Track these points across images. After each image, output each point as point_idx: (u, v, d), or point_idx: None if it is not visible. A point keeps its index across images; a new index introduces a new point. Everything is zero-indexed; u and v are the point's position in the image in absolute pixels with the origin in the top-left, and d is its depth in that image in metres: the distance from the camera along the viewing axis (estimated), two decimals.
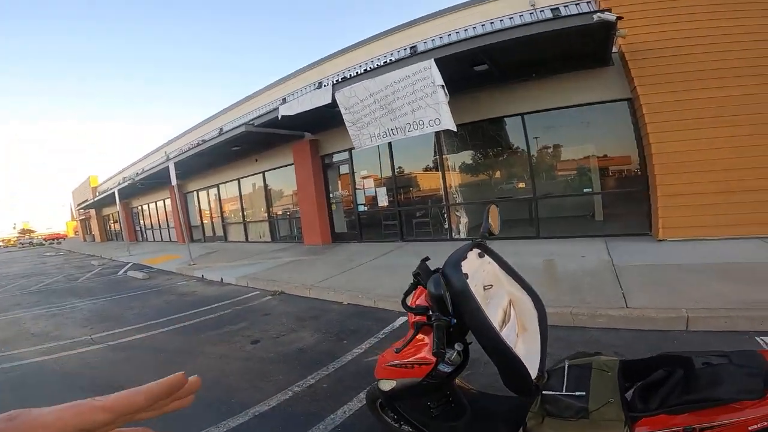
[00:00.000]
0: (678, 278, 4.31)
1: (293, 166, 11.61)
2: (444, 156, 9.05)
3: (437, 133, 8.53)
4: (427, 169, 9.79)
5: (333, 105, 7.46)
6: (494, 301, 1.64)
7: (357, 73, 8.62)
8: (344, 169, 11.16)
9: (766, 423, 1.20)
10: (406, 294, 1.73)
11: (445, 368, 1.50)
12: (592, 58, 6.85)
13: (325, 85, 9.26)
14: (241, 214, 15.19)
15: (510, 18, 8.25)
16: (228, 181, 15.42)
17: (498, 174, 9.21)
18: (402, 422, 1.87)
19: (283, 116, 8.31)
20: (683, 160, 6.10)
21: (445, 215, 9.10)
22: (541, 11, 7.86)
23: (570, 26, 5.58)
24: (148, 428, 0.42)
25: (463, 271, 1.45)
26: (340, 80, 8.30)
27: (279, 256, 9.89)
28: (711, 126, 5.99)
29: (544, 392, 1.45)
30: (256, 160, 13.41)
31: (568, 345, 3.29)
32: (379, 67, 7.72)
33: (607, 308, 3.64)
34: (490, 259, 1.79)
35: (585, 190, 7.90)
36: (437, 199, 9.35)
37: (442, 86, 6.19)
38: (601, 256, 5.70)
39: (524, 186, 8.32)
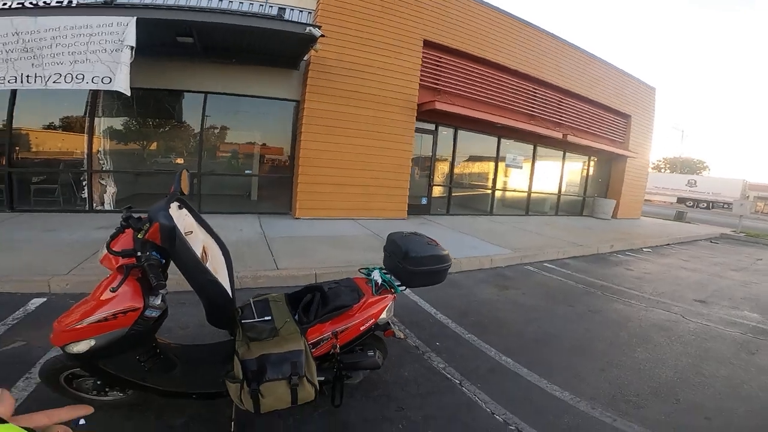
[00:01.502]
0: (309, 247, 5.73)
1: None
2: (97, 117, 7.39)
3: (95, 92, 6.94)
4: (66, 128, 7.64)
5: None
6: (194, 246, 1.75)
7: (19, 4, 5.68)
8: None
9: (369, 322, 2.11)
10: (112, 238, 1.60)
11: (152, 313, 1.55)
12: (286, 60, 7.61)
13: None
14: None
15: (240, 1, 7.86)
16: None
17: (160, 146, 8.48)
18: (107, 387, 1.74)
19: None
20: (319, 158, 7.97)
21: (85, 183, 7.51)
22: (270, 6, 7.89)
23: (284, 30, 6.08)
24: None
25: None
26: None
27: None
28: (342, 134, 8.12)
29: (243, 321, 1.93)
30: None
31: (239, 302, 3.83)
32: (55, 6, 5.62)
33: (264, 271, 4.40)
34: (188, 212, 2.00)
35: (246, 172, 8.76)
36: (74, 164, 7.49)
37: (132, 48, 5.30)
38: (256, 229, 6.58)
39: (183, 161, 8.21)
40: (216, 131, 8.58)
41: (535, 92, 11.19)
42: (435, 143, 10.09)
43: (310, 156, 7.96)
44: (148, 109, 8.05)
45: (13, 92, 6.82)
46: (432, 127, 9.92)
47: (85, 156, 7.34)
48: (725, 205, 34.58)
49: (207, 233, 2.11)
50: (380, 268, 2.44)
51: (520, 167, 12.09)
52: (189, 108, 8.12)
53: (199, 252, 1.79)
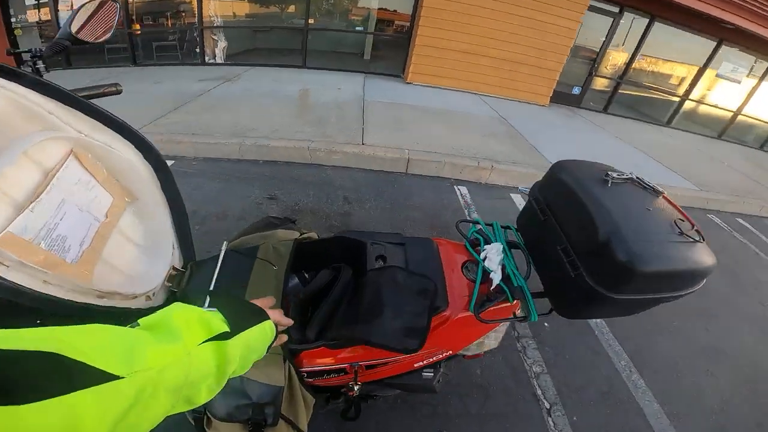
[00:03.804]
0: (411, 118, 4.57)
1: None
2: None
3: None
4: None
5: None
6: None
7: None
8: None
9: (438, 356, 1.10)
10: None
11: None
12: None
13: None
14: None
15: None
16: None
17: (269, 6, 7.57)
18: None
19: None
20: (446, 18, 6.18)
21: (199, 38, 7.23)
22: None
23: None
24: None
25: None
26: None
27: None
28: None
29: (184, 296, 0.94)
30: None
31: (302, 186, 3.04)
32: None
33: (344, 144, 3.46)
34: (7, 82, 0.61)
35: (357, 29, 7.48)
36: (188, 24, 7.19)
37: None
38: (356, 90, 5.52)
39: (296, 14, 7.19)
40: None
41: None
42: (613, 29, 7.09)
43: (430, 15, 6.15)
44: None
45: None
46: (616, 9, 6.86)
47: (196, 12, 6.86)
48: None
49: (95, 120, 0.76)
50: (506, 232, 1.24)
51: (738, 82, 8.28)
52: None
53: (36, 162, 0.64)
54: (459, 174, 3.58)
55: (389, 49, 7.61)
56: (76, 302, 0.66)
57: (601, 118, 7.32)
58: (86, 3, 0.91)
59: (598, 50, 7.40)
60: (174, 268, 0.93)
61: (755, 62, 8.22)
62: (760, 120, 9.19)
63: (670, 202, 1.04)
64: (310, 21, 7.12)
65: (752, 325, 2.71)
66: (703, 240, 0.92)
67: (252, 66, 6.74)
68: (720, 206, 4.58)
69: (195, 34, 7.12)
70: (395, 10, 7.21)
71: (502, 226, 1.25)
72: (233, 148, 3.30)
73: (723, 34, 7.35)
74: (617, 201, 0.95)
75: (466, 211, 3.14)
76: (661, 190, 1.06)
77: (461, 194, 3.37)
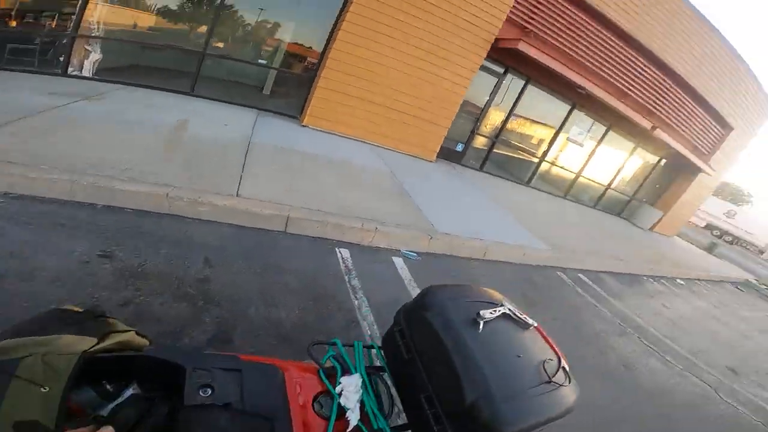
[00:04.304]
0: (298, 167, 4.36)
1: None
2: None
3: None
4: None
5: None
6: None
7: None
8: None
9: None
10: None
11: None
12: None
13: None
14: None
15: None
16: None
17: (171, 20, 6.57)
18: None
19: None
20: (352, 63, 6.28)
21: (68, 45, 5.94)
22: None
23: None
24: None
25: None
26: None
27: None
28: (388, 44, 6.34)
29: None
30: None
31: (153, 242, 2.51)
32: None
33: (215, 194, 3.03)
34: None
35: (260, 61, 7.11)
36: (62, 28, 5.85)
37: None
38: (244, 128, 5.08)
39: (197, 34, 6.41)
40: (237, 13, 6.70)
41: (637, 64, 8.81)
42: (497, 89, 8.17)
43: (340, 58, 6.21)
44: None
45: None
46: (501, 70, 7.93)
47: (74, 20, 5.63)
48: (749, 246, 33.24)
49: None
50: (369, 353, 1.15)
51: (581, 145, 10.14)
52: None
53: None
54: (342, 236, 3.46)
55: (291, 86, 7.39)
56: None
57: (478, 177, 8.15)
58: None
59: (482, 109, 8.30)
60: None
61: (592, 125, 10.04)
62: (594, 181, 11.25)
63: (541, 334, 1.05)
64: (218, 44, 6.52)
65: (595, 373, 3.21)
66: (570, 381, 0.94)
67: (125, 85, 5.68)
68: (565, 263, 5.40)
69: (65, 41, 5.85)
70: (310, 47, 7.06)
71: (365, 346, 1.11)
72: (63, 186, 2.62)
73: (576, 98, 8.89)
74: (487, 350, 0.92)
75: (346, 277, 3.01)
76: (531, 322, 1.06)
77: (342, 258, 3.24)
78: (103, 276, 2.15)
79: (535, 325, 1.09)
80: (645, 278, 7.16)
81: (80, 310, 0.97)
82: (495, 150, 9.10)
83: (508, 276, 4.34)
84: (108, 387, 0.88)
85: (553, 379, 0.92)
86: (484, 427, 0.81)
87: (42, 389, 0.71)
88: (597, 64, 8.31)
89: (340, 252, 3.31)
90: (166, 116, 4.62)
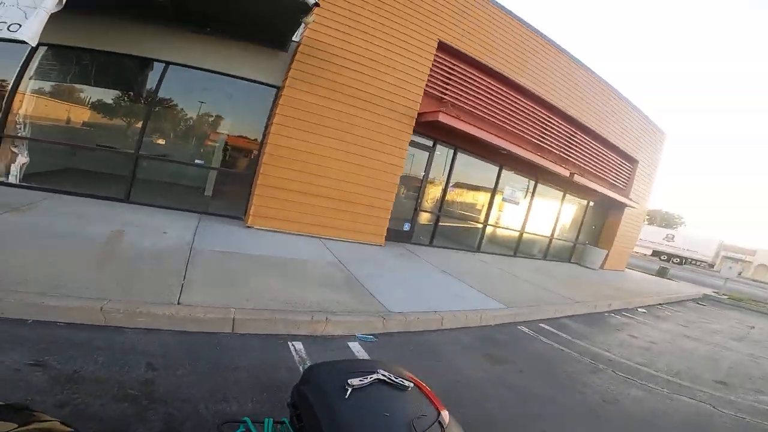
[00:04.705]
0: (243, 270, 4.32)
1: None
2: (27, 75, 5.91)
3: (33, 47, 5.42)
4: None
5: None
6: None
7: None
8: None
9: None
10: None
11: None
12: (273, 36, 6.28)
13: None
14: None
15: None
16: None
17: (102, 117, 6.83)
18: None
19: None
20: (288, 156, 6.55)
21: None
22: None
23: None
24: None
25: None
26: None
27: None
28: (320, 133, 6.73)
29: None
30: None
31: (88, 351, 2.42)
32: None
33: (152, 304, 2.94)
34: None
35: (197, 162, 7.18)
36: None
37: None
38: (185, 235, 5.07)
39: (131, 138, 6.58)
40: (173, 110, 7.08)
41: (548, 120, 10.14)
42: (430, 162, 8.84)
43: (276, 153, 6.51)
44: (94, 73, 6.54)
45: None
46: (429, 143, 8.67)
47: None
48: (698, 263, 35.62)
49: None
50: (281, 429, 1.21)
51: (517, 203, 10.96)
52: (145, 77, 6.65)
53: None
54: (293, 329, 3.37)
55: (233, 186, 7.45)
56: None
57: (428, 252, 8.32)
58: None
59: (420, 184, 8.74)
60: None
61: (522, 182, 10.92)
62: (537, 234, 11.87)
63: (423, 392, 1.13)
64: (157, 142, 6.62)
65: (575, 413, 3.13)
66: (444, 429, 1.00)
67: (56, 193, 5.69)
68: (525, 317, 5.43)
69: None
70: (248, 145, 7.32)
71: (275, 422, 1.17)
72: None
73: (502, 159, 9.65)
74: (355, 414, 1.00)
75: (301, 367, 2.88)
76: (408, 383, 1.14)
77: (296, 350, 3.13)
78: (36, 383, 2.07)
79: (410, 386, 1.16)
80: (606, 314, 7.34)
81: (2, 402, 0.95)
82: (441, 223, 9.50)
83: (467, 340, 4.29)
84: None
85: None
86: None
87: None
88: (511, 124, 9.39)
89: (292, 345, 3.19)
90: (99, 228, 4.56)
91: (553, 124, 10.31)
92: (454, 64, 8.32)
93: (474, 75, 8.61)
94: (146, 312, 2.87)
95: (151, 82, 6.56)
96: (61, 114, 6.64)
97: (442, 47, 7.95)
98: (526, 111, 9.64)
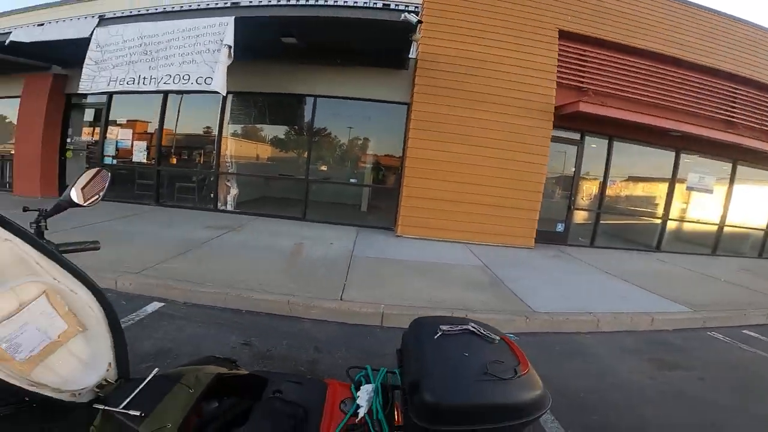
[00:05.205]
0: (393, 273, 4.88)
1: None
2: (225, 121, 8.20)
3: (224, 97, 7.53)
4: (205, 133, 8.66)
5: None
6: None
7: (147, 11, 7.01)
8: (92, 114, 8.89)
9: None
10: None
11: None
12: (391, 58, 7.05)
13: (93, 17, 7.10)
14: None
15: None
16: None
17: (279, 151, 8.81)
18: None
19: (13, 42, 6.62)
20: (427, 167, 7.06)
21: (214, 183, 8.37)
22: (375, 2, 7.23)
23: (376, 18, 5.55)
24: None
25: None
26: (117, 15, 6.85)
27: None
28: (457, 141, 7.05)
29: (105, 407, 1.08)
30: None
31: (278, 335, 3.27)
32: (174, 11, 6.67)
33: (323, 299, 3.74)
34: (10, 235, 1.02)
35: (351, 181, 8.39)
36: (208, 165, 8.46)
37: (229, 47, 5.56)
38: (347, 245, 6.05)
39: (302, 166, 8.22)
40: (328, 137, 8.52)
41: (734, 91, 8.16)
42: (580, 156, 8.08)
43: (416, 165, 7.13)
44: (267, 114, 8.58)
45: (164, 97, 8.06)
46: (576, 136, 7.98)
47: (215, 157, 8.18)
48: None
49: (63, 269, 1.15)
50: (390, 376, 1.41)
51: (710, 191, 8.88)
52: (303, 112, 8.28)
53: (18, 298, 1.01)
54: None
55: (383, 200, 8.33)
56: (10, 383, 0.91)
57: (587, 253, 7.57)
58: (86, 171, 1.31)
59: (572, 181, 8.11)
60: (106, 380, 1.17)
61: (722, 167, 8.91)
62: (747, 227, 9.40)
63: (510, 346, 1.22)
64: (323, 168, 8.30)
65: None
66: (516, 375, 1.08)
67: (258, 216, 7.68)
68: (720, 323, 4.54)
69: (212, 179, 8.17)
70: (398, 155, 7.98)
71: (388, 371, 1.42)
72: (219, 297, 3.71)
73: (676, 143, 8.16)
74: (440, 352, 1.17)
75: None
76: (495, 336, 1.25)
77: None
78: (243, 357, 2.88)
79: (503, 336, 1.26)
80: None
81: (221, 357, 1.56)
82: (602, 221, 8.50)
83: (629, 343, 3.82)
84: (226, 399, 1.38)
85: (494, 373, 1.07)
86: (427, 403, 1.01)
87: (189, 390, 1.22)
88: (682, 102, 7.85)
89: None
90: (286, 241, 5.97)
91: (743, 94, 8.16)
92: (585, 50, 7.59)
93: (611, 57, 7.69)
94: (318, 306, 3.67)
95: (307, 115, 8.14)
96: (251, 151, 8.85)
97: (565, 35, 7.38)
98: (699, 85, 7.98)
